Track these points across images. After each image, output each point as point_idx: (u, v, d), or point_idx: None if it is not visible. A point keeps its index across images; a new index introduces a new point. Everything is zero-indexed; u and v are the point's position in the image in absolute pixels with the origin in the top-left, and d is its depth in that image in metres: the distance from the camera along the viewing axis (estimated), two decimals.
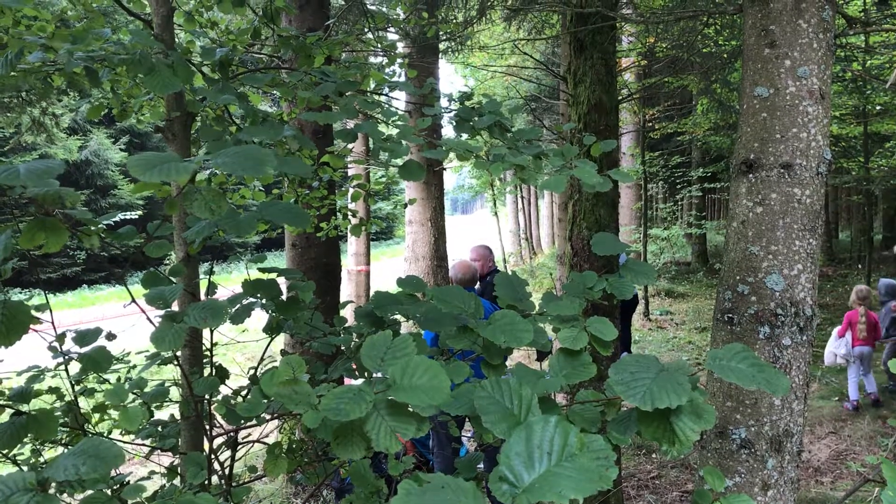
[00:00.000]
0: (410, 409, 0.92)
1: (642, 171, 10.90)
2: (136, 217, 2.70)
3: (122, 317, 10.30)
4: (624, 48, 8.88)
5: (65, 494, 1.01)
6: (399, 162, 1.57)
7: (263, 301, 1.55)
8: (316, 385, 1.07)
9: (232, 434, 1.68)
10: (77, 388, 1.82)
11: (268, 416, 1.62)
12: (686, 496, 4.43)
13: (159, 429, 1.88)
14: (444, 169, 9.40)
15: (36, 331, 1.28)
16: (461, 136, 1.83)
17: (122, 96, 2.63)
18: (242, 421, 1.56)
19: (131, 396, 1.69)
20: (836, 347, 6.34)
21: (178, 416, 1.87)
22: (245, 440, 1.81)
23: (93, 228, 1.18)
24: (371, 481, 1.54)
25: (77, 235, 1.16)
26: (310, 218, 1.26)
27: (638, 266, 1.46)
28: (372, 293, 2.38)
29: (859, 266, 14.00)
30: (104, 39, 1.89)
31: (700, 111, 11.05)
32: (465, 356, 1.47)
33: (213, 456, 1.55)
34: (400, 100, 4.98)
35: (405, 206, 5.80)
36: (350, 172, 5.60)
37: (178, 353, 1.80)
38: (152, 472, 1.92)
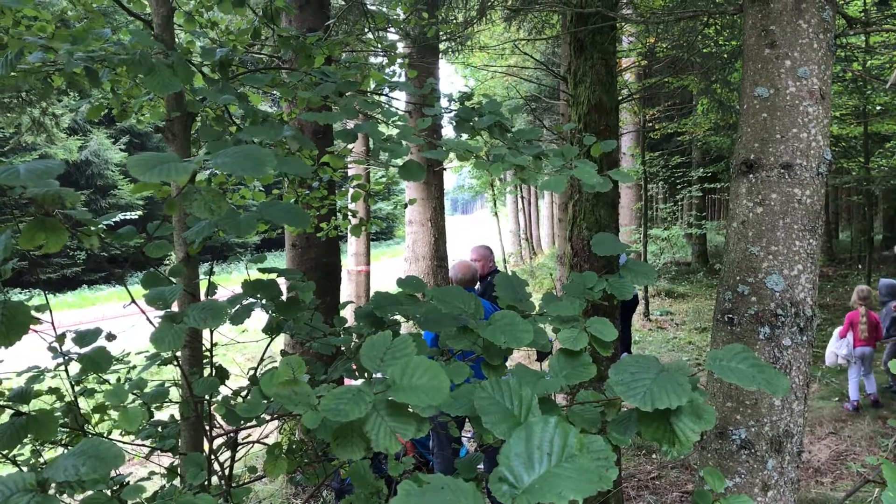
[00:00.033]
0: (410, 410, 0.92)
1: (642, 171, 10.90)
2: (136, 217, 2.69)
3: (122, 317, 10.29)
4: (624, 48, 8.88)
5: (65, 495, 1.01)
6: (399, 162, 1.57)
7: (263, 301, 1.54)
8: (316, 385, 1.07)
9: (232, 434, 1.68)
10: (77, 388, 1.82)
11: (268, 417, 1.62)
12: (686, 497, 4.43)
13: (159, 429, 1.88)
14: (445, 169, 9.40)
15: (36, 331, 1.28)
16: (461, 137, 1.83)
17: (122, 96, 2.63)
18: (242, 421, 1.56)
19: (131, 397, 1.69)
20: (838, 348, 6.34)
21: (178, 416, 1.87)
22: (245, 441, 1.81)
23: (93, 229, 1.18)
24: (371, 482, 1.54)
25: (77, 236, 1.16)
26: (310, 218, 1.26)
27: (638, 266, 1.46)
28: (372, 293, 2.38)
29: (859, 266, 14.00)
30: (104, 40, 1.89)
31: (700, 111, 11.06)
32: (465, 357, 1.47)
33: (212, 456, 1.55)
34: (400, 100, 4.97)
35: (405, 206, 5.79)
36: (350, 172, 5.60)
37: (178, 354, 1.80)
38: (152, 473, 1.92)
